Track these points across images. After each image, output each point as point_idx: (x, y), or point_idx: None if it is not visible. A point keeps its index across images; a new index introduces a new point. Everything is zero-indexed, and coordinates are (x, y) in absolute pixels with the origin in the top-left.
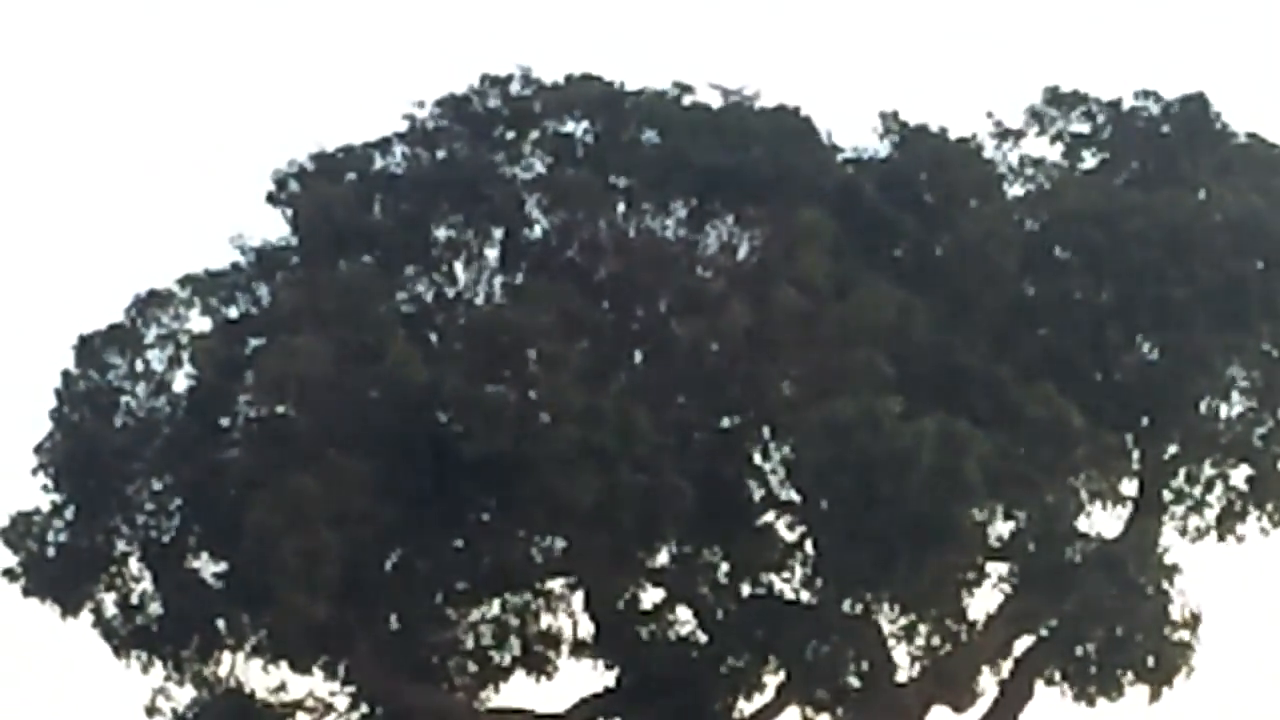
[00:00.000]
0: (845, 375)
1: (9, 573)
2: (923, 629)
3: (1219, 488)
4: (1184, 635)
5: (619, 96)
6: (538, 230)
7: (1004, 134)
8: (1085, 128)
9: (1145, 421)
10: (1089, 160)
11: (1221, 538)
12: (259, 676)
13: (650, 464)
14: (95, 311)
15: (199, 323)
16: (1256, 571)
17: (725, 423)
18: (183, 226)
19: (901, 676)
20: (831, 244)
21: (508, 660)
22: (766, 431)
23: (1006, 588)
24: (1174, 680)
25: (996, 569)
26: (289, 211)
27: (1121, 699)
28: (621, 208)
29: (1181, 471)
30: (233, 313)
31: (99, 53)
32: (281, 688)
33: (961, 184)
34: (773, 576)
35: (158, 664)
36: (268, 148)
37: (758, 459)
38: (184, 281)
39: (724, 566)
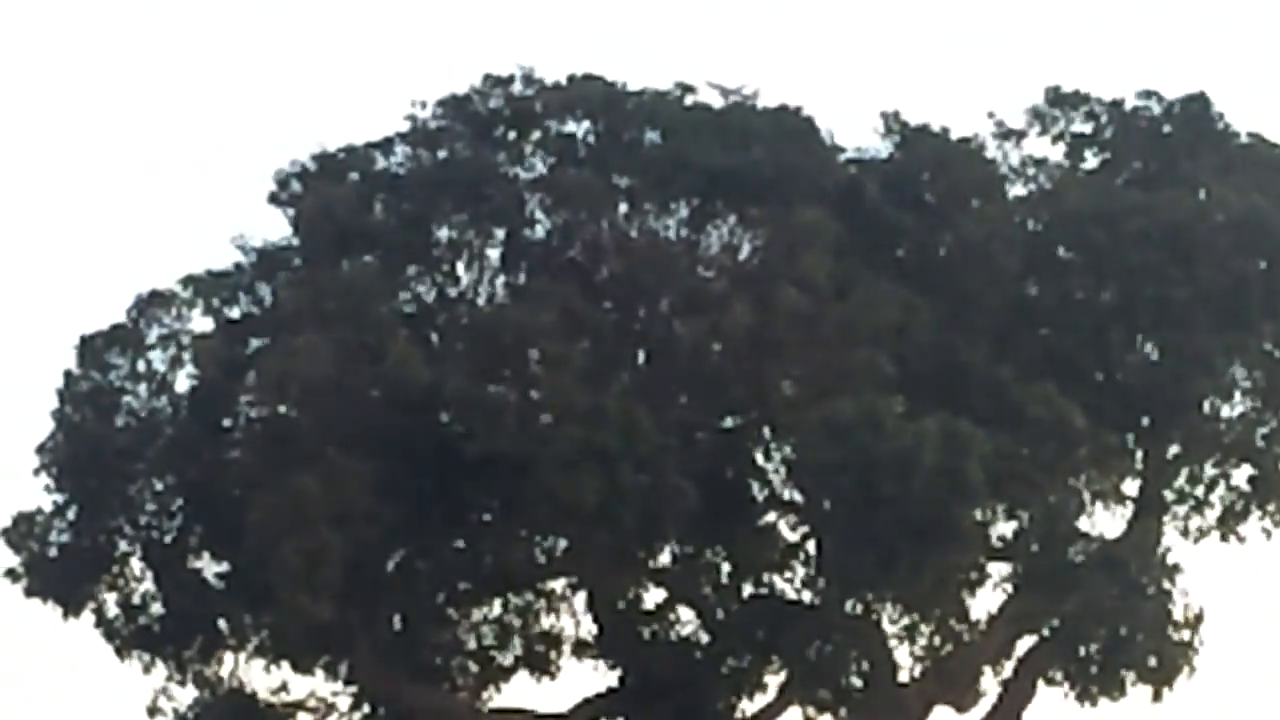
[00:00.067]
0: (847, 375)
1: (11, 573)
2: (925, 629)
3: (1221, 488)
4: (1186, 635)
5: (621, 97)
6: (539, 230)
7: (1006, 134)
8: (1087, 128)
9: (1147, 421)
10: (1091, 160)
11: (1223, 538)
12: (261, 677)
13: (652, 464)
14: (97, 311)
15: (201, 323)
16: (1258, 571)
17: (727, 423)
18: (184, 227)
19: (903, 676)
20: (833, 244)
21: (510, 660)
22: (768, 431)
23: (1008, 588)
24: (1176, 680)
25: (998, 569)
26: (291, 211)
27: (1123, 699)
28: (623, 208)
29: (1183, 471)
30: (234, 313)
31: (100, 53)
32: (283, 688)
33: (963, 184)
34: (775, 576)
35: (159, 664)
36: (270, 148)
37: (760, 459)
38: (186, 281)
39: (726, 567)
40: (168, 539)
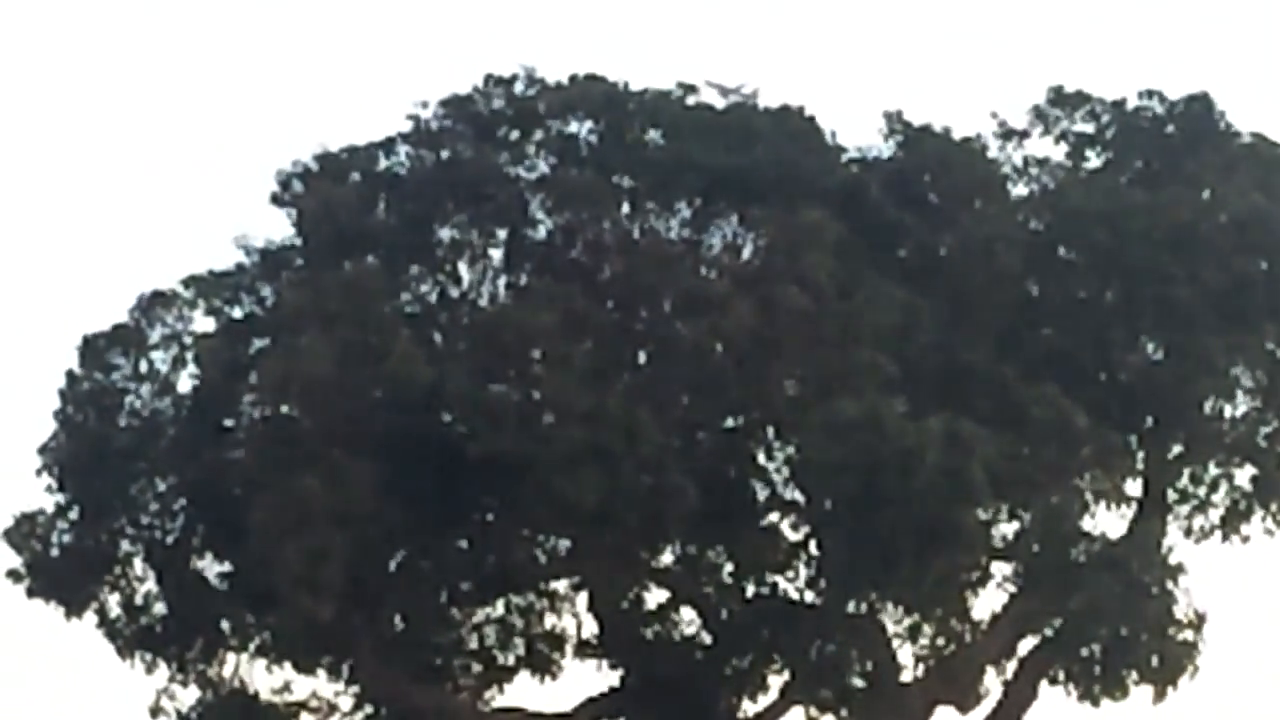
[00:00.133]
0: (849, 375)
1: (13, 573)
2: (927, 629)
3: (1223, 488)
4: (1188, 635)
5: (623, 97)
6: (542, 230)
7: (1008, 134)
8: (1089, 128)
9: (1150, 421)
10: (1093, 160)
11: (1226, 538)
12: (263, 677)
13: (654, 464)
14: (99, 312)
15: (203, 323)
16: (1261, 571)
17: (729, 423)
18: (187, 227)
19: (906, 677)
20: (835, 244)
21: (512, 661)
22: (770, 432)
23: (1011, 588)
24: (1178, 680)
25: (1001, 569)
26: (293, 212)
27: (1126, 699)
28: (626, 208)
29: (1186, 471)
30: (237, 313)
31: (102, 53)
32: (285, 688)
33: (966, 184)
34: (777, 577)
35: (162, 664)
36: (272, 148)
37: (762, 459)
38: (188, 282)
39: (728, 567)
40: (170, 539)
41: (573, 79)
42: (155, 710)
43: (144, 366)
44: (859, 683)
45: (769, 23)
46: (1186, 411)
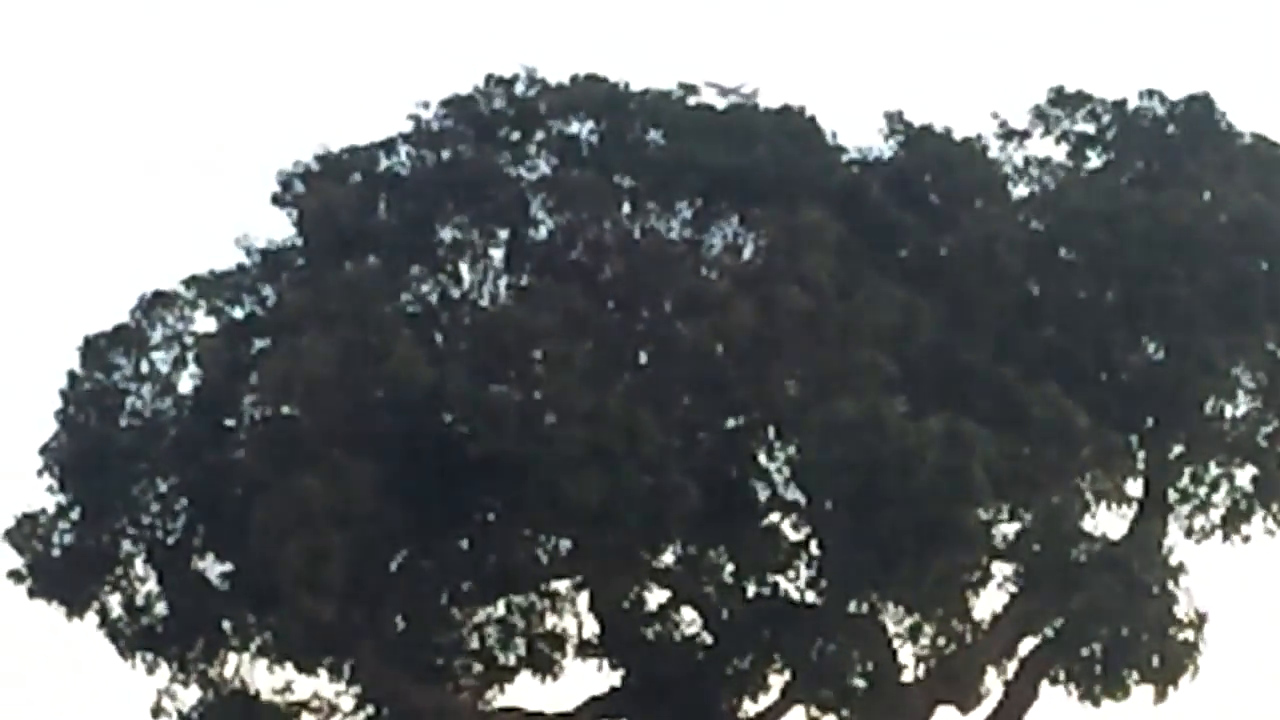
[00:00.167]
0: (850, 375)
1: (15, 574)
2: (928, 629)
3: (1224, 488)
4: (1189, 635)
5: (624, 97)
6: (543, 231)
7: (1009, 134)
8: (1090, 128)
9: (1150, 422)
10: (1094, 160)
11: (1227, 538)
12: (264, 677)
13: (655, 464)
14: (100, 312)
15: (204, 323)
16: (1262, 571)
17: (730, 423)
18: (188, 227)
19: (907, 677)
20: (836, 244)
21: (513, 661)
22: (771, 432)
23: (1012, 588)
24: (1179, 680)
25: (1002, 569)
26: (294, 212)
27: (1127, 699)
28: (626, 208)
29: (1187, 472)
30: (238, 313)
31: (103, 53)
32: (287, 688)
33: (966, 184)
34: (778, 577)
35: (163, 665)
36: (273, 148)
37: (763, 459)
38: (189, 282)
39: (729, 567)
40: (171, 540)
41: (574, 79)
42: (156, 710)
43: (145, 367)
44: (860, 683)
45: (769, 23)
46: (1187, 412)
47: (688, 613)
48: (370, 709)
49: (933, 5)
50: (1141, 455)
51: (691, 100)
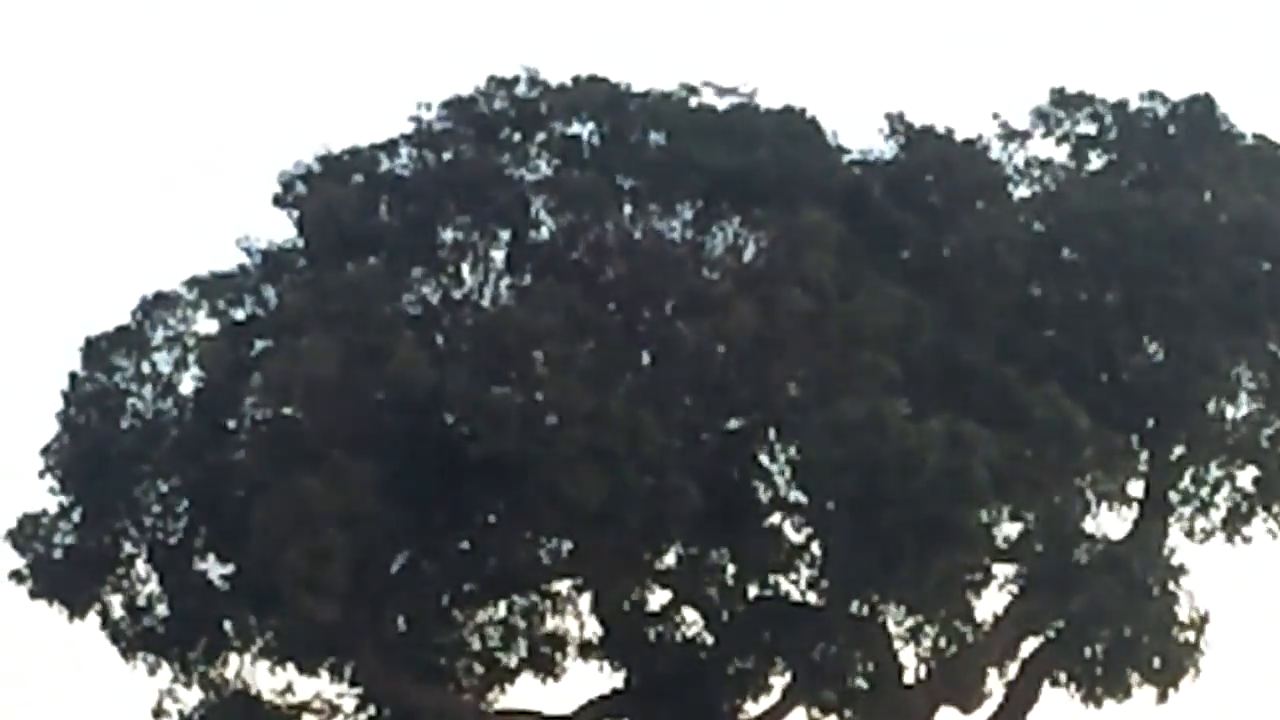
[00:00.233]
0: (851, 376)
1: (16, 575)
2: (929, 630)
3: (1226, 489)
4: (1191, 636)
5: (625, 98)
6: (544, 232)
7: (1010, 135)
8: (1091, 129)
9: (1152, 423)
10: (1095, 161)
11: (1228, 539)
12: (266, 678)
13: (657, 465)
14: (102, 313)
15: (205, 325)
16: (1263, 572)
17: (732, 424)
18: (189, 229)
19: (908, 678)
20: (837, 245)
21: (514, 662)
22: (773, 433)
23: (1013, 589)
24: (1181, 681)
25: (1003, 570)
26: (295, 213)
27: (1128, 700)
28: (628, 209)
29: (1188, 473)
30: (239, 314)
31: (104, 53)
32: (288, 689)
33: (968, 185)
34: (779, 578)
35: (165, 666)
36: (274, 150)
37: (764, 460)
38: (190, 283)
39: (730, 568)
40: (173, 540)
41: (575, 80)
42: (158, 711)
43: (146, 368)
44: (861, 684)
45: (769, 23)
46: (1189, 412)
47: (689, 614)
48: (371, 710)
49: (933, 6)
50: (1143, 456)
51: (693, 101)
